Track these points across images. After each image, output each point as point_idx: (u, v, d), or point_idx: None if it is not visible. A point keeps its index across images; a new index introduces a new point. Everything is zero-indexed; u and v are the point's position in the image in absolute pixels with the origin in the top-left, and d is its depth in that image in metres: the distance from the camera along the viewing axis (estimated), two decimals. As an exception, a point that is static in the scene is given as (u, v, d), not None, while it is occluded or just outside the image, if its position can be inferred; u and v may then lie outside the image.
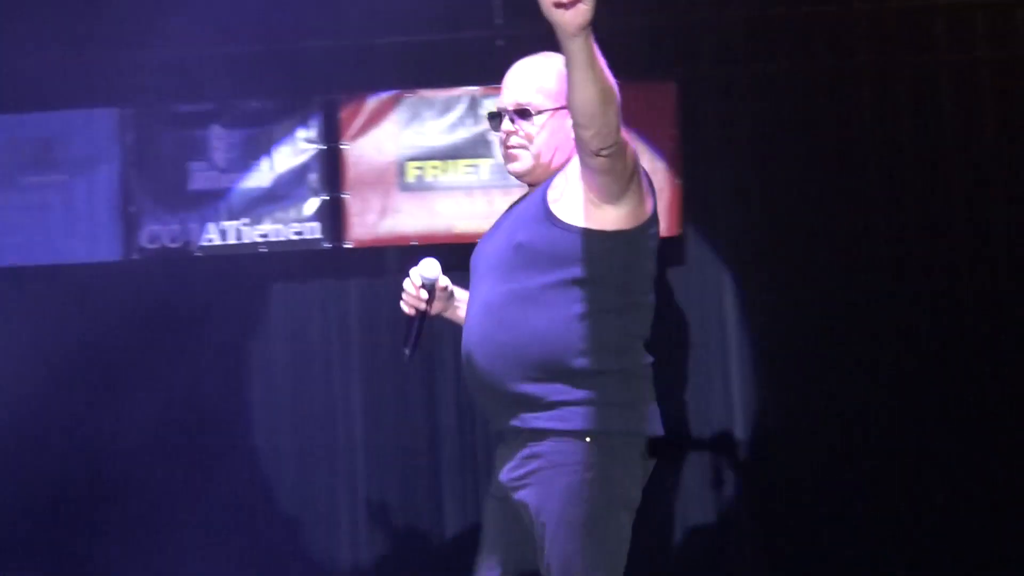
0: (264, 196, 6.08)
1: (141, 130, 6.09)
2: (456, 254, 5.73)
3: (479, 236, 5.80)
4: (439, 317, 2.99)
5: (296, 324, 6.27)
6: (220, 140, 6.11)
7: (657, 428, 2.68)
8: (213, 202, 6.08)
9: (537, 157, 2.75)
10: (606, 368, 2.60)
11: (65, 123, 6.10)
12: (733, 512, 5.85)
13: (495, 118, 2.82)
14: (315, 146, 6.04)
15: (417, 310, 2.84)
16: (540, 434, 2.60)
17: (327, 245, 6.03)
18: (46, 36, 5.94)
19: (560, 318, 2.59)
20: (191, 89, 6.18)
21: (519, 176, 2.81)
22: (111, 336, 6.01)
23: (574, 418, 2.59)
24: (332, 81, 6.08)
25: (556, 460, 2.58)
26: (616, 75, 2.52)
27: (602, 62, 2.36)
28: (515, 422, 2.64)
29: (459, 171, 5.98)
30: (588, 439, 2.58)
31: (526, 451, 2.61)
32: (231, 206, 6.08)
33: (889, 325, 5.76)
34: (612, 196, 2.55)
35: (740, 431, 5.87)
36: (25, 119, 5.98)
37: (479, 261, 2.83)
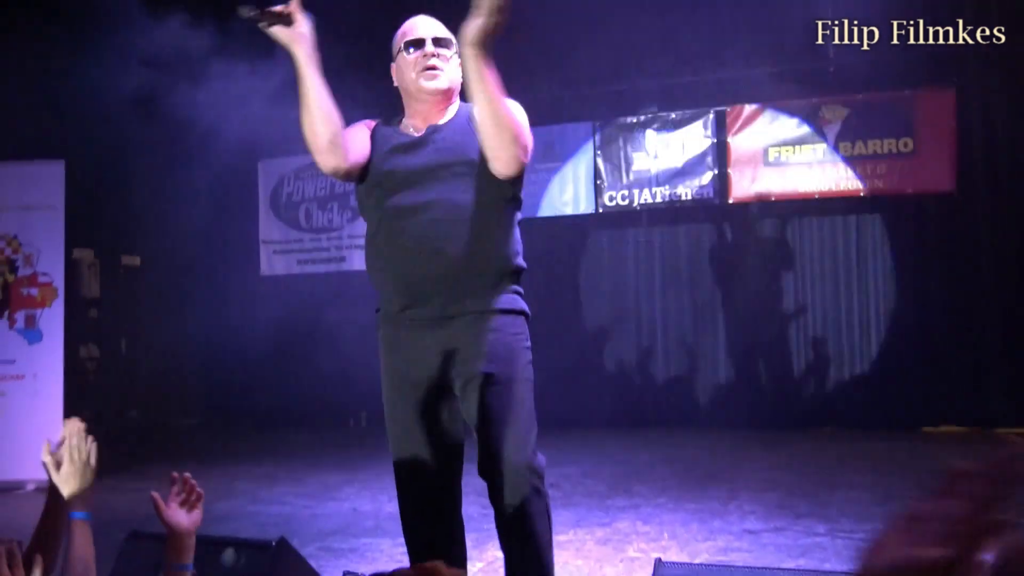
0: (678, 172, 8.01)
1: (604, 135, 8.23)
2: (803, 208, 7.86)
3: (817, 194, 7.56)
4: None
5: (689, 254, 8.27)
6: (652, 138, 8.10)
7: None
8: (648, 176, 8.09)
9: (450, 82, 2.74)
10: (523, 267, 2.78)
11: (560, 132, 8.33)
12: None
13: (416, 45, 2.73)
14: (711, 140, 7.95)
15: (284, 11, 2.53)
16: (497, 313, 2.67)
17: (717, 202, 7.97)
18: (542, 71, 7.83)
19: (508, 228, 2.72)
20: (635, 108, 8.30)
21: (435, 93, 2.72)
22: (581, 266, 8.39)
23: (518, 302, 2.74)
24: (721, 98, 8.04)
25: (512, 330, 2.69)
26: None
27: (499, 92, 2.44)
28: (476, 305, 2.66)
29: (804, 152, 7.66)
30: (524, 318, 2.76)
31: (483, 328, 2.65)
32: (658, 178, 8.08)
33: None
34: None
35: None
36: (538, 130, 7.11)
37: (399, 170, 2.68)
